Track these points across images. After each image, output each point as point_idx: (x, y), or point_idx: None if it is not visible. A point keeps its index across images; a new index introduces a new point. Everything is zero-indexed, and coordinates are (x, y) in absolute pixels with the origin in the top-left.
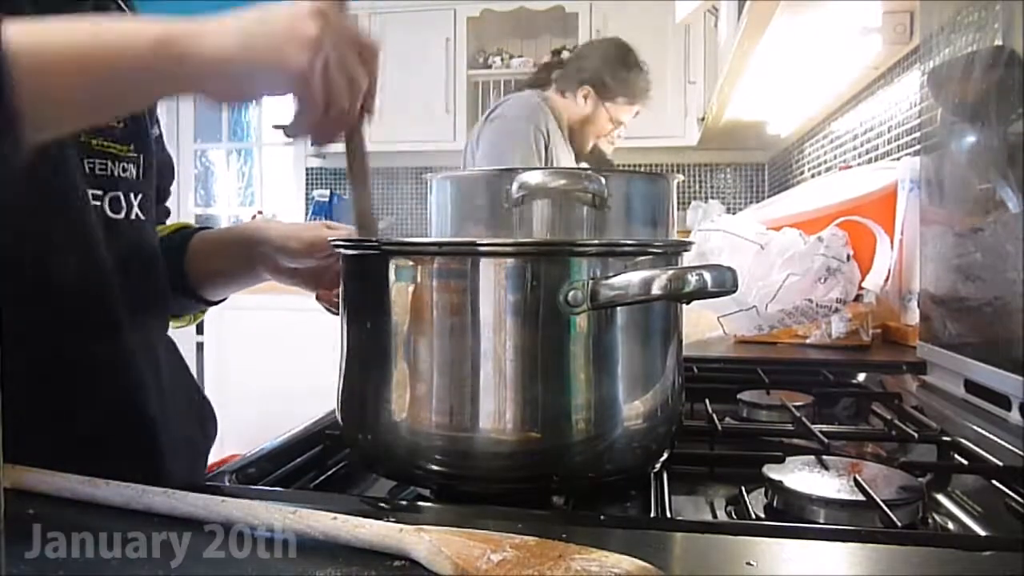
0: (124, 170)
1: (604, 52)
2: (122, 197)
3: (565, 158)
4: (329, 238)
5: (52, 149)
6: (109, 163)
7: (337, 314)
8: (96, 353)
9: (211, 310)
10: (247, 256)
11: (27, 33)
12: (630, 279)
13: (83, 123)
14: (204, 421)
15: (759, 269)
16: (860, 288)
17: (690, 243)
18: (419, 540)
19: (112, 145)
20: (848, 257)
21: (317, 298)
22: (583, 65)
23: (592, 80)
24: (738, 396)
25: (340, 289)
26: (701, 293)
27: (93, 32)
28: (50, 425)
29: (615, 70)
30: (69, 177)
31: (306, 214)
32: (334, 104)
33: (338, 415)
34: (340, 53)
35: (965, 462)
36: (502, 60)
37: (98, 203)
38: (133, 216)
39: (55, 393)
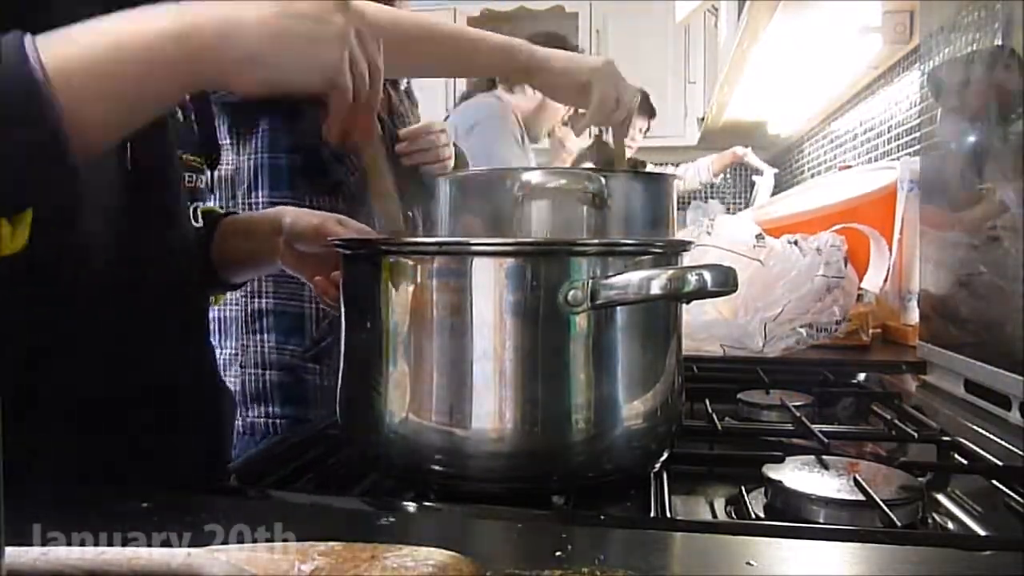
0: (202, 182)
1: (542, 41)
2: (199, 208)
3: (521, 155)
4: (331, 236)
5: (166, 171)
6: (194, 176)
7: (335, 309)
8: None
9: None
10: (271, 237)
11: (52, 58)
12: (630, 279)
13: (115, 136)
14: None
15: (756, 289)
16: (859, 288)
17: (690, 243)
18: (213, 562)
19: (194, 158)
20: (846, 263)
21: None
22: None
23: None
24: (738, 396)
25: (340, 289)
26: (701, 293)
27: (115, 46)
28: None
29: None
30: (178, 196)
31: None
32: (360, 95)
33: (338, 415)
34: (362, 42)
35: (965, 462)
36: None
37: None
38: (198, 225)
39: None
